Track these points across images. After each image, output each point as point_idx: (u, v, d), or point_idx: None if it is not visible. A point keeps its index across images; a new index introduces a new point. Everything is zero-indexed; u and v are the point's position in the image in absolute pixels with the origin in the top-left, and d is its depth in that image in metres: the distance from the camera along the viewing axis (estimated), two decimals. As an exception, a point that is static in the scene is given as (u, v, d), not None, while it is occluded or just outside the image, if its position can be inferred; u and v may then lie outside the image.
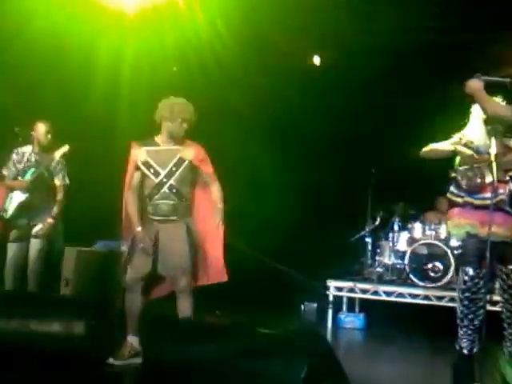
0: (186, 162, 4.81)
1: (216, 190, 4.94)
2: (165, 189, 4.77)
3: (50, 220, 6.20)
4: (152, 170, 4.80)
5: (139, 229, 4.75)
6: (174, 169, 4.79)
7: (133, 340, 4.71)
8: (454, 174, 4.89)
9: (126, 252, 4.83)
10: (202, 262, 4.86)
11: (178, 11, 7.71)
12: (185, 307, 4.70)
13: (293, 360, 3.57)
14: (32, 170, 6.18)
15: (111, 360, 4.58)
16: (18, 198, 6.16)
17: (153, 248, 4.71)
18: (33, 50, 7.48)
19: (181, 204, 4.80)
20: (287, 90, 9.52)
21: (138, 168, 4.85)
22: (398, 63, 8.67)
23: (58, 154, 6.17)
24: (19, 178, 6.21)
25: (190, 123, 4.83)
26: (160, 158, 4.82)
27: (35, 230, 6.16)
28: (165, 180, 4.77)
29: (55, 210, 6.26)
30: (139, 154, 4.85)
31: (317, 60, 9.53)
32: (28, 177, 6.18)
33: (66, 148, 6.19)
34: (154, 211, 4.79)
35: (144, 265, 4.70)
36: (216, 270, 4.93)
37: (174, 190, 4.77)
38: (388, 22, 8.13)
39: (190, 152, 4.84)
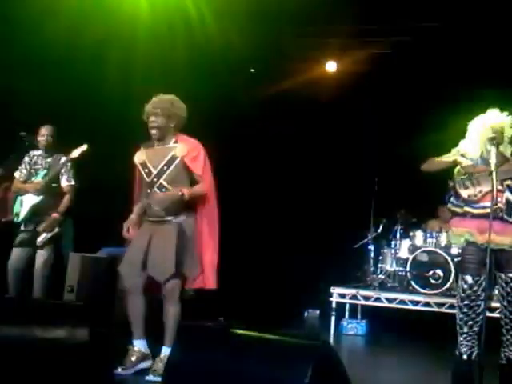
0: (178, 159, 4.63)
1: (199, 187, 4.69)
2: (155, 188, 4.63)
3: (55, 215, 6.07)
4: (146, 170, 4.69)
5: (132, 216, 4.71)
6: (164, 168, 4.63)
7: (139, 344, 4.63)
8: (452, 184, 4.96)
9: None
10: (194, 265, 4.69)
11: (188, 16, 7.77)
12: (168, 313, 4.57)
13: (296, 364, 3.59)
14: (44, 171, 6.14)
15: (120, 370, 4.46)
16: (30, 200, 6.08)
17: (146, 249, 4.59)
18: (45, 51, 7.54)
19: (173, 204, 4.61)
20: (289, 96, 9.60)
21: (138, 169, 4.80)
22: (404, 75, 8.77)
23: (76, 153, 6.05)
24: (30, 180, 6.17)
25: (168, 116, 4.63)
26: (154, 158, 4.69)
27: (40, 239, 6.07)
28: (155, 180, 4.63)
29: (61, 207, 6.13)
30: (139, 155, 4.79)
31: (331, 66, 9.61)
32: (39, 179, 6.12)
33: (84, 147, 6.06)
34: (148, 212, 4.68)
35: (138, 266, 4.59)
36: (206, 276, 4.79)
37: (164, 190, 4.61)
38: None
39: (183, 149, 4.65)
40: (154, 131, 4.65)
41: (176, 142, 4.70)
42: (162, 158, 4.66)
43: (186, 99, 4.87)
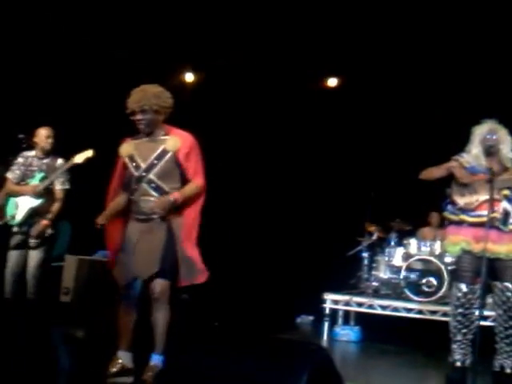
0: (170, 153, 4.36)
1: (192, 183, 4.40)
2: (143, 183, 4.35)
3: (44, 222, 5.99)
4: (134, 164, 4.40)
5: (106, 212, 4.43)
6: (155, 162, 4.35)
7: (124, 356, 4.35)
8: (449, 191, 5.01)
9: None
10: (186, 265, 4.40)
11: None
12: (157, 317, 4.30)
13: (293, 369, 3.63)
14: (41, 174, 6.07)
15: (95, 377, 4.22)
16: (27, 203, 6.00)
17: (133, 250, 4.34)
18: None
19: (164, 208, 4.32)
20: (287, 108, 9.67)
21: (124, 162, 4.50)
22: (400, 86, 8.84)
23: (80, 158, 5.95)
24: (24, 182, 6.08)
25: (156, 111, 4.35)
26: (143, 151, 4.40)
27: (34, 240, 6.00)
28: (144, 174, 4.35)
29: (53, 212, 6.05)
30: (126, 147, 4.50)
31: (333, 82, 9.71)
32: (36, 181, 6.04)
33: (89, 153, 5.96)
34: (136, 209, 4.39)
35: (129, 272, 4.34)
36: (190, 272, 4.45)
37: (154, 185, 4.34)
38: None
39: (176, 142, 4.38)
40: (142, 127, 4.40)
41: (166, 134, 4.45)
42: (151, 152, 4.39)
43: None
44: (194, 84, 10.20)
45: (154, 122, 4.39)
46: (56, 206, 6.11)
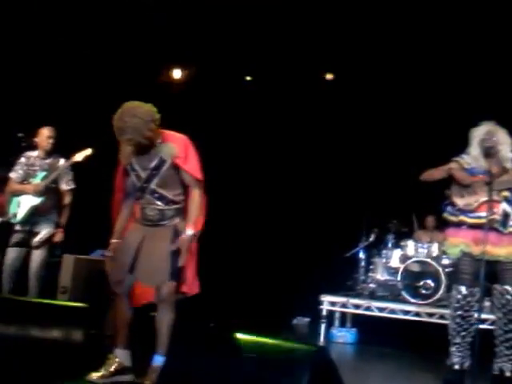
0: (168, 162, 4.29)
1: (195, 196, 4.35)
2: (147, 194, 4.31)
3: (61, 230, 6.19)
4: (135, 173, 4.34)
5: (114, 241, 4.35)
6: (154, 172, 4.29)
7: (121, 355, 4.30)
8: (449, 193, 5.02)
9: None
10: (187, 269, 4.37)
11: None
12: (162, 319, 4.26)
13: (295, 369, 3.63)
14: (43, 173, 6.11)
15: (94, 377, 4.12)
16: (29, 201, 6.05)
17: (135, 253, 4.28)
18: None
19: (168, 208, 4.34)
20: (283, 109, 9.68)
21: (125, 169, 4.40)
22: (400, 88, 8.87)
23: (80, 156, 6.06)
24: (27, 181, 6.12)
25: (143, 134, 4.15)
26: (142, 159, 4.32)
27: (37, 239, 6.07)
28: (145, 185, 4.31)
29: (63, 217, 6.18)
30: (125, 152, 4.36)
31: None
32: (38, 180, 6.09)
33: (88, 151, 6.08)
34: (142, 216, 4.37)
35: (124, 269, 4.28)
36: (191, 281, 4.44)
37: (157, 195, 4.30)
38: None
39: (172, 149, 4.29)
40: (133, 149, 4.27)
41: (162, 140, 4.32)
42: (149, 162, 4.31)
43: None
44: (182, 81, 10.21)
45: (144, 141, 4.23)
46: (66, 212, 6.23)
